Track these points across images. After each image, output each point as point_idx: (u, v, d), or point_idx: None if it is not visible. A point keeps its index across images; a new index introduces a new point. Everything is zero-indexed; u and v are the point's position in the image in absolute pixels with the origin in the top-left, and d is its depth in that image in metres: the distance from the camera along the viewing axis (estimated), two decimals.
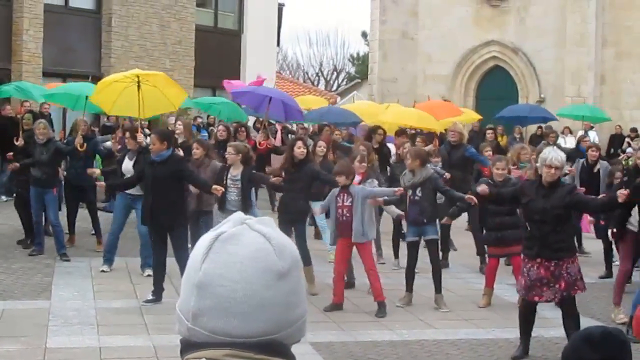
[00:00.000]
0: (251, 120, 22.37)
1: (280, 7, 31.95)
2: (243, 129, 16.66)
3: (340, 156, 13.63)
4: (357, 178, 10.83)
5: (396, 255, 12.75)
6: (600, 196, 10.60)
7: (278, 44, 32.77)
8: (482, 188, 9.15)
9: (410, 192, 10.40)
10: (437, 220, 11.92)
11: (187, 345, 1.61)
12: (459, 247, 14.19)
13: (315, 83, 57.07)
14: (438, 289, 10.46)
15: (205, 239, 1.62)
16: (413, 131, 16.79)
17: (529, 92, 31.69)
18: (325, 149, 12.76)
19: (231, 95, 17.48)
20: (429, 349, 8.74)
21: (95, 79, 22.65)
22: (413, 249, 10.57)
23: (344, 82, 56.34)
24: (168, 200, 9.99)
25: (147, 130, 12.67)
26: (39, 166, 12.66)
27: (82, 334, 8.80)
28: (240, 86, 19.69)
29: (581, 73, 30.50)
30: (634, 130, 27.71)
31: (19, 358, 8.00)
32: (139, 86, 12.77)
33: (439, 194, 10.76)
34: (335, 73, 60.36)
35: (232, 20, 28.66)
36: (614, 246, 12.18)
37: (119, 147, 14.01)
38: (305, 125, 22.21)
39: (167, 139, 10.30)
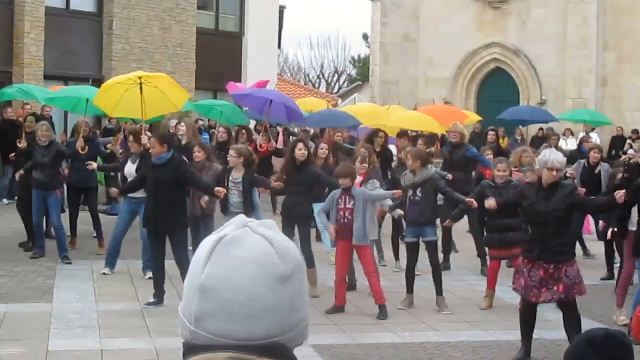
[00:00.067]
0: (252, 123, 22.37)
1: (281, 10, 31.95)
2: (244, 131, 16.66)
3: (342, 158, 13.63)
4: (359, 179, 10.83)
5: (397, 257, 12.75)
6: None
7: (279, 47, 32.77)
8: (490, 203, 9.06)
9: (410, 192, 10.38)
10: (439, 222, 11.96)
11: (190, 348, 1.61)
12: (460, 249, 14.18)
13: (316, 85, 57.05)
14: (439, 291, 10.45)
15: (207, 242, 1.62)
16: (414, 133, 16.79)
17: (530, 94, 31.69)
18: (327, 151, 12.75)
19: (233, 98, 17.46)
20: (430, 351, 8.74)
21: (96, 81, 22.69)
22: (412, 249, 10.57)
23: (345, 85, 56.33)
24: (169, 203, 9.99)
25: (148, 133, 12.65)
26: (40, 169, 12.66)
27: (84, 336, 8.80)
28: (243, 88, 19.68)
29: (582, 76, 30.51)
30: (635, 132, 27.72)
31: None
32: (141, 88, 12.77)
33: (439, 195, 10.75)
34: (336, 75, 60.35)
35: (233, 22, 28.67)
36: (615, 248, 12.18)
37: (120, 150, 14.03)
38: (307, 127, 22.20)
39: (167, 142, 10.30)
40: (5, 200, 18.69)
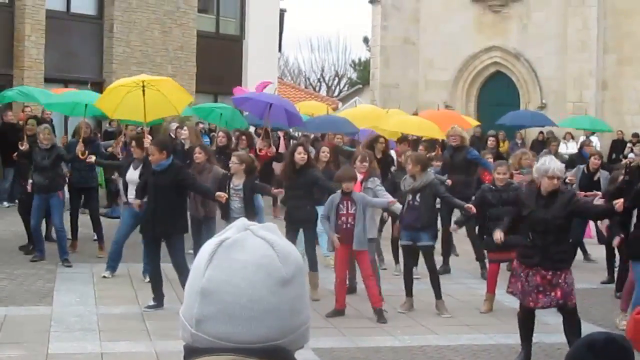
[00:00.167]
0: (251, 128, 22.37)
1: (282, 13, 31.97)
2: (244, 137, 16.64)
3: (343, 161, 13.63)
4: (359, 177, 10.84)
5: (397, 261, 12.74)
6: (599, 198, 10.56)
7: (280, 50, 32.78)
8: (498, 236, 8.95)
9: (409, 197, 10.39)
10: (440, 224, 11.95)
11: (191, 351, 1.61)
12: (460, 252, 14.18)
13: (317, 89, 57.08)
14: (438, 295, 10.45)
15: (208, 245, 1.63)
16: (415, 137, 16.78)
17: (530, 98, 31.69)
18: (329, 154, 12.75)
19: (233, 102, 17.44)
20: (430, 355, 8.74)
21: (97, 84, 22.75)
22: (407, 252, 10.60)
23: (346, 88, 56.32)
24: (169, 209, 9.98)
25: (149, 137, 12.65)
26: (40, 172, 12.66)
27: (84, 340, 8.80)
28: (249, 92, 19.62)
29: (583, 79, 30.51)
30: (635, 135, 27.71)
31: None
32: (143, 91, 12.78)
33: (437, 199, 10.76)
34: (336, 79, 60.39)
35: (233, 26, 28.69)
36: (617, 251, 12.16)
37: (120, 153, 14.02)
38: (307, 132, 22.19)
39: (167, 148, 10.27)
40: (5, 203, 18.71)
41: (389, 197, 10.66)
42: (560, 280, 8.06)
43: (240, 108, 17.43)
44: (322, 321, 9.65)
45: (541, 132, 27.34)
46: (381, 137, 14.97)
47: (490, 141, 18.50)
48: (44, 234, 13.50)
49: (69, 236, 13.49)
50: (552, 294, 8.05)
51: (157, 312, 9.98)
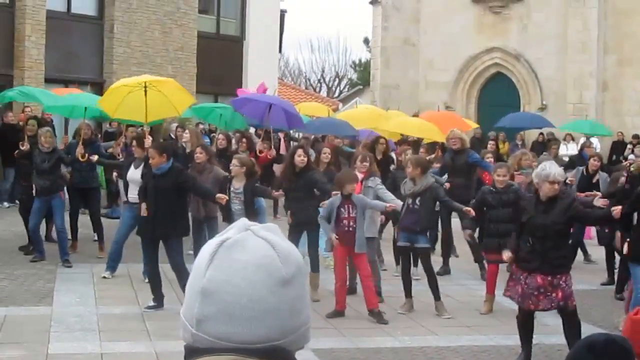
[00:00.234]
0: (252, 128, 22.35)
1: (282, 14, 31.98)
2: (244, 140, 16.62)
3: (343, 162, 13.63)
4: (360, 176, 10.83)
5: (397, 262, 12.74)
6: (599, 198, 10.56)
7: (280, 51, 32.77)
8: (508, 256, 8.87)
9: (409, 200, 10.40)
10: (440, 226, 11.95)
11: (191, 351, 1.61)
12: (460, 253, 14.18)
13: (317, 89, 57.07)
14: (436, 296, 10.45)
15: (209, 245, 1.63)
16: (415, 138, 16.78)
17: (530, 99, 31.69)
18: (330, 156, 12.76)
19: (232, 105, 17.41)
20: (430, 356, 8.74)
21: (97, 85, 22.76)
22: (404, 253, 10.62)
23: (346, 89, 56.31)
24: (169, 211, 9.96)
25: (150, 137, 12.64)
26: (40, 175, 12.66)
27: (84, 340, 8.81)
28: (251, 93, 19.58)
29: (583, 80, 30.50)
30: (635, 137, 27.69)
31: None
32: (145, 92, 12.78)
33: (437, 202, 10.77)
34: (337, 79, 60.38)
35: (234, 26, 28.69)
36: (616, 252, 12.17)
37: (121, 154, 14.02)
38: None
39: (167, 152, 10.25)
40: (6, 204, 18.71)
41: (390, 196, 10.66)
42: (561, 282, 8.07)
43: (240, 111, 17.39)
44: (322, 322, 9.65)
45: (541, 134, 27.34)
46: (382, 137, 14.97)
47: (490, 145, 18.54)
48: (43, 234, 13.51)
49: (69, 236, 13.50)
50: (553, 295, 8.05)
51: (157, 312, 9.99)
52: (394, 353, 8.79)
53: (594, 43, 30.42)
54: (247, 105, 16.97)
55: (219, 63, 26.73)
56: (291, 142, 20.40)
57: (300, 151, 11.23)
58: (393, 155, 15.86)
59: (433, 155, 15.03)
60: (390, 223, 12.98)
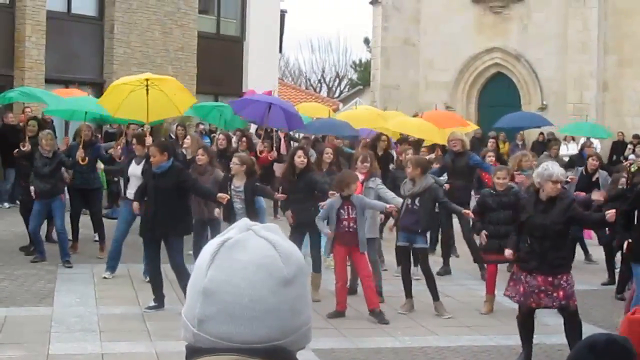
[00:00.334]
0: (253, 127, 22.34)
1: (283, 14, 31.99)
2: (244, 139, 16.62)
3: (343, 163, 13.63)
4: (360, 177, 10.83)
5: (399, 263, 12.73)
6: (597, 193, 10.59)
7: (280, 51, 32.78)
8: (509, 254, 8.88)
9: (409, 201, 10.40)
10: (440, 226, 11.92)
11: (193, 351, 1.62)
12: (460, 254, 14.18)
13: (318, 90, 57.08)
14: (435, 296, 10.45)
15: (211, 245, 1.63)
16: (415, 138, 16.78)
17: (531, 99, 31.68)
18: (332, 156, 12.77)
19: (232, 107, 17.42)
20: (431, 356, 8.74)
21: (97, 85, 22.76)
22: (404, 253, 10.61)
23: (346, 89, 56.33)
24: (169, 211, 9.96)
25: (150, 137, 12.64)
26: (41, 178, 12.64)
27: (85, 340, 8.81)
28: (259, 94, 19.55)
29: (583, 80, 30.50)
30: (636, 137, 27.69)
31: None
32: (147, 90, 12.77)
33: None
34: (337, 80, 60.39)
35: (234, 26, 28.69)
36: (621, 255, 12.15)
37: (120, 154, 14.02)
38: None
39: (167, 150, 10.26)
40: (6, 204, 18.71)
41: (390, 195, 10.65)
42: (562, 282, 8.07)
43: (239, 114, 17.39)
44: (323, 322, 9.65)
45: (541, 133, 27.34)
46: (383, 135, 14.99)
47: (490, 143, 18.52)
48: (44, 235, 13.51)
49: (70, 237, 13.50)
50: (555, 294, 8.06)
51: (157, 312, 9.99)
52: (395, 353, 8.79)
53: (594, 43, 30.42)
54: (246, 107, 16.98)
55: (219, 63, 26.73)
56: (291, 142, 20.39)
57: (300, 152, 11.23)
58: (394, 153, 15.88)
59: (433, 155, 15.03)
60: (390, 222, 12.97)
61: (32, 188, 12.82)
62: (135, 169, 11.65)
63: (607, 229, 12.08)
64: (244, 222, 1.66)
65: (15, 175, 17.82)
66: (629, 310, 9.93)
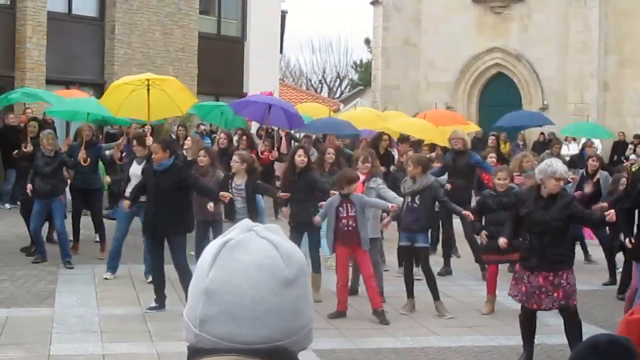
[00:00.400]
0: (254, 128, 22.34)
1: (283, 14, 31.98)
2: (245, 137, 16.63)
3: (343, 164, 13.63)
4: (361, 177, 10.83)
5: (400, 263, 12.73)
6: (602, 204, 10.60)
7: (281, 51, 32.77)
8: (502, 242, 8.99)
9: (409, 199, 10.40)
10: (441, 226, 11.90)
11: (194, 352, 1.62)
12: (462, 254, 14.17)
13: (318, 90, 57.08)
14: (436, 296, 10.45)
15: (212, 246, 1.63)
16: (416, 138, 16.79)
17: (532, 99, 31.69)
18: (334, 156, 12.78)
19: (232, 109, 17.44)
20: (432, 356, 8.74)
21: (98, 86, 22.76)
22: (406, 253, 10.61)
23: (347, 89, 56.34)
24: (170, 209, 9.97)
25: (151, 138, 12.64)
26: (42, 178, 12.65)
27: (86, 341, 8.80)
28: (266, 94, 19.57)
29: (584, 80, 30.50)
30: (637, 137, 27.70)
31: None
32: (148, 90, 12.78)
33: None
34: (338, 80, 60.39)
35: (235, 27, 28.69)
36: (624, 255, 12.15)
37: (121, 155, 14.02)
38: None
39: (170, 148, 10.29)
40: (7, 205, 18.71)
41: (392, 195, 10.65)
42: (562, 281, 8.07)
43: (240, 114, 17.42)
44: (324, 322, 9.65)
45: (542, 134, 27.34)
46: (385, 134, 15.00)
47: (491, 140, 18.52)
48: (45, 235, 13.51)
49: (71, 238, 13.51)
50: (555, 294, 8.06)
51: (158, 313, 9.98)
52: (396, 354, 8.79)
53: (595, 43, 30.42)
54: (247, 107, 17.01)
55: (220, 64, 26.73)
56: (292, 142, 20.40)
57: (300, 151, 11.23)
58: (395, 152, 15.88)
59: (433, 154, 15.03)
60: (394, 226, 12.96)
61: (28, 185, 12.81)
62: (136, 169, 11.67)
63: (607, 228, 12.10)
64: (245, 223, 1.66)
65: (15, 176, 17.84)
66: (629, 308, 9.94)
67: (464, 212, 10.39)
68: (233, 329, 1.57)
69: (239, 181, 10.89)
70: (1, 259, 13.10)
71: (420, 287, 10.72)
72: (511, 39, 32.10)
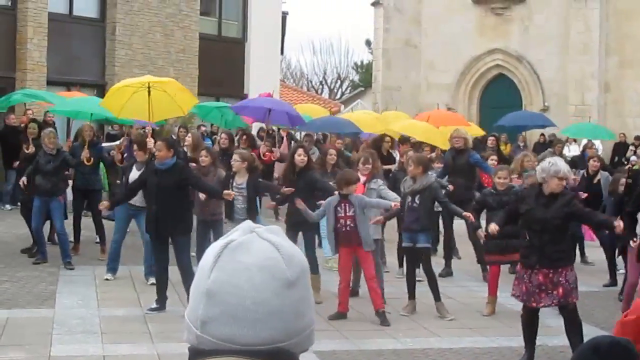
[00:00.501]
0: (255, 128, 22.34)
1: (284, 16, 31.98)
2: (245, 137, 16.62)
3: (342, 165, 13.63)
4: (362, 179, 10.83)
5: (400, 264, 12.74)
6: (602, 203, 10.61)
7: (282, 52, 32.77)
8: (492, 229, 9.05)
9: (409, 199, 10.40)
10: (442, 227, 11.87)
11: (196, 353, 1.61)
12: (462, 255, 14.17)
13: (319, 91, 57.07)
14: (437, 297, 10.44)
15: (214, 247, 1.63)
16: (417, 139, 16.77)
17: (532, 100, 31.69)
18: (335, 157, 12.77)
19: (233, 110, 17.45)
20: (433, 358, 8.73)
21: (99, 87, 22.76)
22: (409, 254, 10.61)
23: (348, 91, 56.37)
24: (173, 209, 9.98)
25: (152, 139, 12.64)
26: (43, 175, 12.66)
27: (86, 342, 8.80)
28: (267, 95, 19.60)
29: (585, 81, 30.50)
30: (638, 138, 27.72)
31: None
32: (149, 92, 12.79)
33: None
34: (339, 81, 60.39)
35: (236, 28, 28.68)
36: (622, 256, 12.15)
37: (121, 157, 14.02)
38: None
39: (174, 147, 10.32)
40: (8, 206, 18.71)
41: (392, 195, 10.64)
42: (561, 278, 8.07)
43: (240, 114, 17.42)
44: (324, 324, 9.64)
45: (542, 135, 27.34)
46: (387, 135, 15.00)
47: (490, 141, 18.50)
48: (46, 236, 13.51)
49: (71, 239, 13.51)
50: (555, 292, 8.07)
51: (159, 314, 9.98)
52: (396, 355, 8.78)
53: (596, 44, 30.42)
54: (247, 108, 17.04)
55: (220, 65, 26.73)
56: (291, 142, 20.39)
57: (300, 151, 11.23)
58: (396, 154, 15.88)
59: (434, 154, 15.03)
60: (393, 224, 12.96)
61: (23, 179, 12.82)
62: (135, 175, 11.64)
63: (606, 231, 12.10)
64: (247, 224, 1.66)
65: (16, 176, 17.82)
66: (628, 304, 9.95)
67: (465, 213, 10.38)
68: (234, 330, 1.57)
69: (240, 180, 10.88)
70: (2, 260, 13.11)
71: (421, 289, 10.71)
72: (512, 40, 32.10)
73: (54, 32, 21.95)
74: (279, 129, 20.29)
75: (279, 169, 15.38)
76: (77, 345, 8.66)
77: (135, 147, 12.17)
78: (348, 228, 10.02)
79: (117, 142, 15.15)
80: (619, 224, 8.41)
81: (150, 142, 11.81)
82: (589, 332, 8.25)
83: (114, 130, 19.99)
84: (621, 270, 12.26)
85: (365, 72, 53.34)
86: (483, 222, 10.77)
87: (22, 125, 17.97)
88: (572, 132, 24.53)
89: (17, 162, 14.72)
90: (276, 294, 1.58)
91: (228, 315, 1.57)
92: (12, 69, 21.38)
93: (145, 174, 10.60)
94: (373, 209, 10.49)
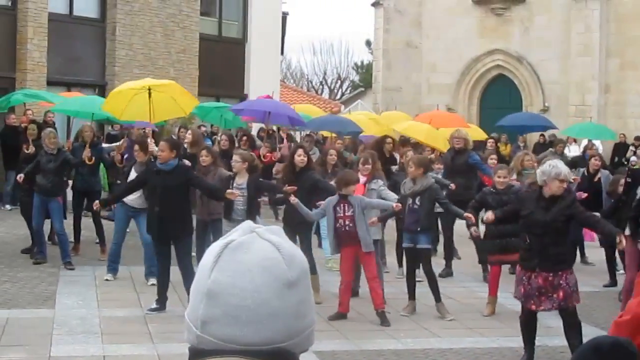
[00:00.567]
0: (255, 129, 22.34)
1: (284, 16, 31.98)
2: (245, 138, 16.62)
3: (340, 167, 13.63)
4: (362, 179, 10.82)
5: (400, 264, 12.74)
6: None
7: (282, 53, 32.78)
8: (488, 217, 9.10)
9: (409, 200, 10.40)
10: (442, 227, 11.85)
11: (196, 353, 1.61)
12: (462, 255, 14.17)
13: (319, 92, 57.09)
14: (437, 297, 10.44)
15: (214, 248, 1.63)
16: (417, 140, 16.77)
17: (533, 101, 31.67)
18: (336, 157, 12.77)
19: (232, 111, 17.47)
20: (433, 358, 8.73)
21: (99, 87, 22.77)
22: (410, 255, 10.61)
23: (348, 91, 56.38)
24: (175, 210, 9.97)
25: (153, 141, 12.66)
26: (44, 174, 12.66)
27: (86, 342, 8.80)
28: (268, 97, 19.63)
29: (585, 82, 30.48)
30: (638, 138, 27.71)
31: None
32: (150, 94, 12.81)
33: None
34: (339, 82, 60.41)
35: (236, 29, 28.68)
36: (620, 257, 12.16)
37: (121, 158, 14.01)
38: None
39: (177, 148, 10.31)
40: (8, 206, 18.71)
41: (393, 196, 10.63)
42: (561, 281, 8.07)
43: (240, 114, 17.43)
44: (325, 324, 9.64)
45: (542, 135, 27.33)
46: (388, 137, 14.99)
47: (490, 143, 18.53)
48: (46, 235, 13.50)
49: (72, 239, 13.51)
50: (555, 295, 8.06)
51: (159, 314, 9.98)
52: (397, 355, 8.78)
53: (596, 46, 30.39)
54: (246, 111, 17.08)
55: (220, 65, 26.73)
56: (292, 143, 20.38)
57: (300, 151, 11.22)
58: (397, 155, 15.87)
59: (433, 155, 15.03)
60: (393, 224, 12.96)
61: (20, 175, 12.82)
62: (134, 176, 11.66)
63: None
64: (247, 224, 1.66)
65: (16, 177, 17.82)
66: (626, 300, 9.94)
67: (466, 214, 10.38)
68: (235, 330, 1.57)
69: (241, 180, 10.87)
70: (2, 260, 13.11)
71: (421, 289, 10.71)
72: (512, 41, 32.08)
73: (54, 32, 21.96)
74: (279, 129, 20.29)
75: (278, 169, 15.37)
76: (77, 346, 8.66)
77: (136, 147, 12.17)
78: (347, 228, 10.02)
79: (118, 143, 15.15)
80: (622, 241, 8.38)
81: (151, 144, 11.83)
82: (589, 332, 8.25)
83: (115, 130, 19.99)
84: (621, 271, 12.27)
85: (366, 72, 53.35)
86: (482, 226, 10.77)
87: (22, 125, 17.98)
88: (574, 132, 24.52)
89: (21, 176, 14.75)
90: (277, 295, 1.58)
91: (229, 315, 1.57)
92: (12, 69, 21.38)
93: (144, 175, 10.58)
94: (373, 209, 10.49)
